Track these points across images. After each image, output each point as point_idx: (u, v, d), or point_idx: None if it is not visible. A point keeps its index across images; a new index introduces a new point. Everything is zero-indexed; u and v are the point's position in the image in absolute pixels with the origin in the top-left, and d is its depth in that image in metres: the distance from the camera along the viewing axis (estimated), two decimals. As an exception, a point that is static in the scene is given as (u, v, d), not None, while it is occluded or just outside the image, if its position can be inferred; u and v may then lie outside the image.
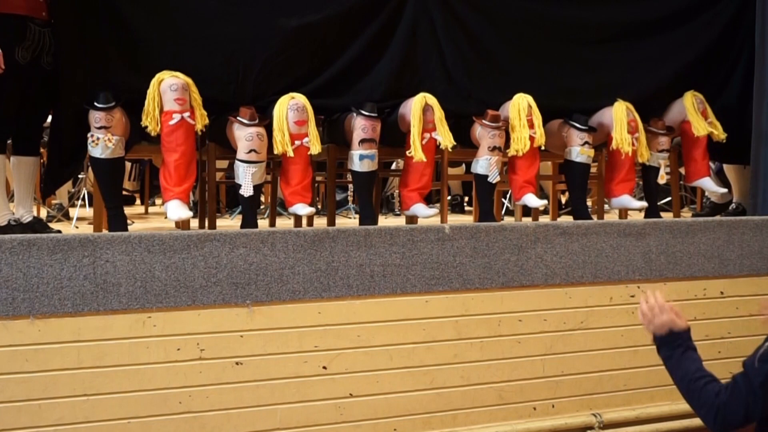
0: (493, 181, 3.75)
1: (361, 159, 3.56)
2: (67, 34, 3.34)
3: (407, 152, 3.61)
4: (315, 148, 3.41)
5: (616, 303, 3.39)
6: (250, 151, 3.35)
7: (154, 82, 3.28)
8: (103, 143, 3.23)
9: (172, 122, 3.26)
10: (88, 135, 3.26)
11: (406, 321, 3.07)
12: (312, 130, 3.41)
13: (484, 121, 3.72)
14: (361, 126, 3.52)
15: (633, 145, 3.89)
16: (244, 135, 3.36)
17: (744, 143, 4.21)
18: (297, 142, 3.39)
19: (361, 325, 3.01)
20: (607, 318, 3.37)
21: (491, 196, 3.89)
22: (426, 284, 3.10)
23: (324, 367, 2.95)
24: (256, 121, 3.40)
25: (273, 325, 2.90)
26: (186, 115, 3.28)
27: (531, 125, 3.73)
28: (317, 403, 2.94)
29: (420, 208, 3.65)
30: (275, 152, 3.43)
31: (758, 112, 4.14)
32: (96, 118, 3.24)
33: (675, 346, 1.99)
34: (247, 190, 3.39)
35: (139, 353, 2.73)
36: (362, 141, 3.54)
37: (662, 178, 4.12)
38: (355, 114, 3.57)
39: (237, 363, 2.84)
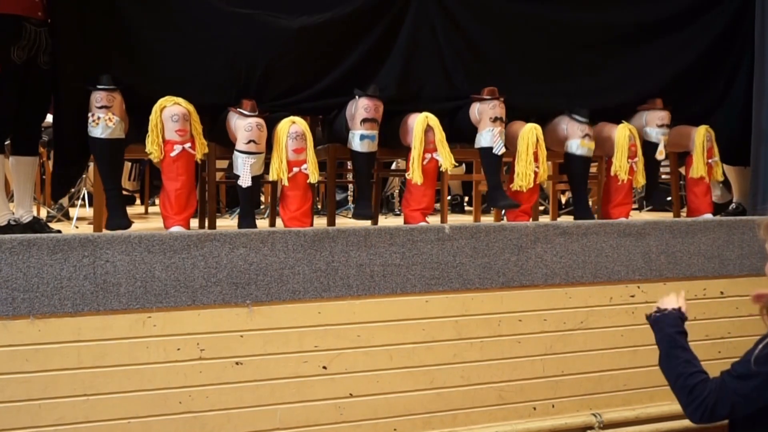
0: (499, 153, 3.68)
1: (362, 139, 3.54)
2: (67, 35, 3.34)
3: (407, 174, 3.61)
4: (314, 176, 3.40)
5: (616, 303, 3.39)
6: (249, 141, 3.34)
7: (156, 108, 3.28)
8: (103, 123, 3.23)
9: (173, 153, 3.28)
10: (89, 115, 3.26)
11: (406, 321, 3.07)
12: (311, 156, 3.40)
13: (483, 97, 3.69)
14: (363, 106, 3.51)
15: (631, 171, 3.89)
16: (243, 125, 3.35)
17: (745, 144, 4.21)
18: (295, 169, 3.38)
19: (361, 325, 3.01)
20: (607, 318, 3.37)
21: (499, 170, 3.82)
22: (426, 284, 3.10)
23: (324, 367, 2.95)
24: (256, 113, 3.39)
25: (273, 325, 2.90)
26: (187, 146, 3.29)
27: (535, 158, 3.71)
28: (317, 403, 2.94)
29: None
30: (271, 179, 3.44)
31: (758, 112, 4.14)
32: (97, 98, 3.24)
33: (663, 328, 1.97)
34: (245, 181, 3.38)
35: (139, 353, 2.73)
36: (364, 120, 3.51)
37: (661, 154, 4.10)
38: (357, 96, 3.56)
39: (237, 363, 2.84)
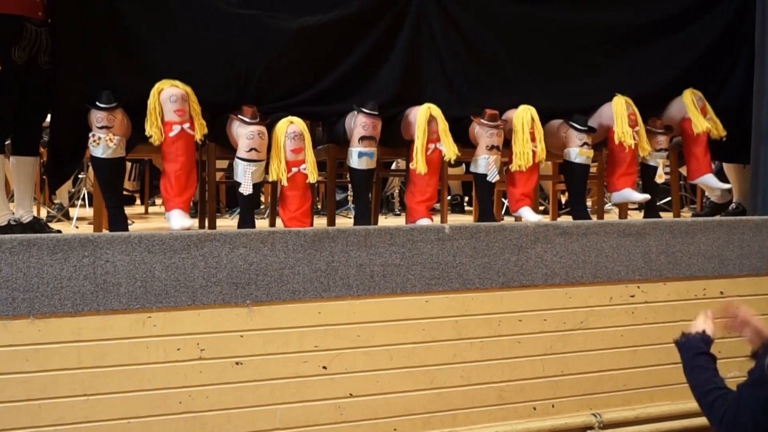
0: (492, 180, 3.74)
1: (360, 156, 3.55)
2: (67, 35, 3.34)
3: (411, 164, 3.61)
4: (312, 176, 3.41)
5: (616, 303, 3.39)
6: (251, 149, 3.35)
7: (153, 91, 3.29)
8: (104, 143, 3.24)
9: (172, 134, 3.29)
10: (90, 135, 3.27)
11: (406, 321, 3.07)
12: (309, 156, 3.41)
13: (482, 120, 3.71)
14: (361, 123, 3.52)
15: (634, 138, 3.89)
16: (245, 133, 3.36)
17: (744, 142, 4.22)
18: (294, 169, 3.39)
19: (361, 325, 3.01)
20: (607, 318, 3.37)
21: (491, 195, 3.88)
22: (426, 284, 3.10)
23: (324, 367, 2.95)
24: (257, 120, 3.40)
25: (273, 325, 2.90)
26: (186, 126, 3.31)
27: (533, 138, 3.72)
28: (317, 403, 2.94)
29: (426, 223, 3.63)
30: (270, 179, 3.44)
31: (758, 111, 4.14)
32: (98, 117, 3.24)
33: (686, 350, 2.00)
34: (246, 189, 3.39)
35: (139, 353, 2.73)
36: (362, 138, 3.53)
37: (660, 177, 4.12)
38: (356, 112, 3.57)
39: (237, 363, 2.84)
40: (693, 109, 4.14)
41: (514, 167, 3.74)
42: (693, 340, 2.03)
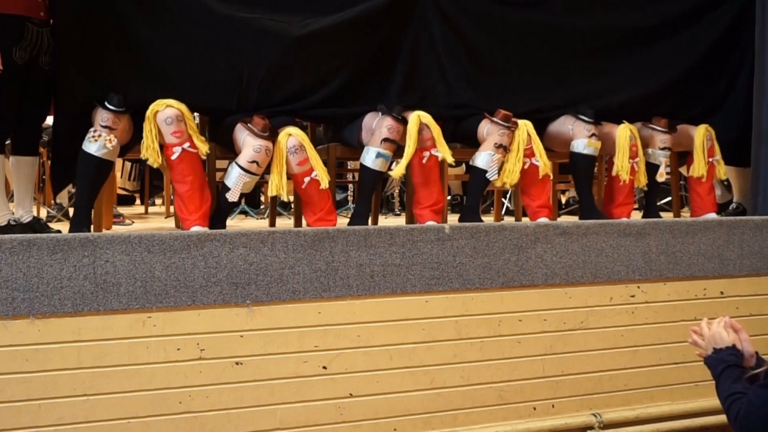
0: (491, 178, 3.70)
1: (377, 156, 3.54)
2: (68, 35, 3.34)
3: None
4: (324, 182, 3.42)
5: (616, 303, 3.39)
6: (253, 162, 3.34)
7: (149, 114, 3.28)
8: (102, 141, 3.24)
9: (174, 157, 3.30)
10: (91, 129, 3.25)
11: (406, 321, 3.07)
12: (316, 162, 3.42)
13: (495, 119, 3.69)
14: (387, 125, 3.52)
15: (633, 171, 3.90)
16: (253, 145, 3.34)
17: (746, 145, 4.21)
18: (306, 179, 3.41)
19: (361, 325, 3.01)
20: (607, 318, 3.37)
21: (481, 194, 3.85)
22: (426, 284, 3.10)
23: (324, 367, 2.95)
24: (267, 134, 3.39)
25: (273, 325, 2.90)
26: (186, 145, 3.30)
27: (532, 154, 3.72)
28: (317, 403, 2.94)
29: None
30: (270, 194, 3.46)
31: (758, 112, 4.14)
32: (104, 117, 3.25)
33: (716, 365, 2.03)
34: (233, 196, 3.39)
35: (139, 353, 2.73)
36: (385, 140, 3.53)
37: (661, 176, 4.12)
38: (381, 113, 3.57)
39: (237, 363, 2.84)
40: (699, 151, 4.13)
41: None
42: (721, 354, 2.04)
